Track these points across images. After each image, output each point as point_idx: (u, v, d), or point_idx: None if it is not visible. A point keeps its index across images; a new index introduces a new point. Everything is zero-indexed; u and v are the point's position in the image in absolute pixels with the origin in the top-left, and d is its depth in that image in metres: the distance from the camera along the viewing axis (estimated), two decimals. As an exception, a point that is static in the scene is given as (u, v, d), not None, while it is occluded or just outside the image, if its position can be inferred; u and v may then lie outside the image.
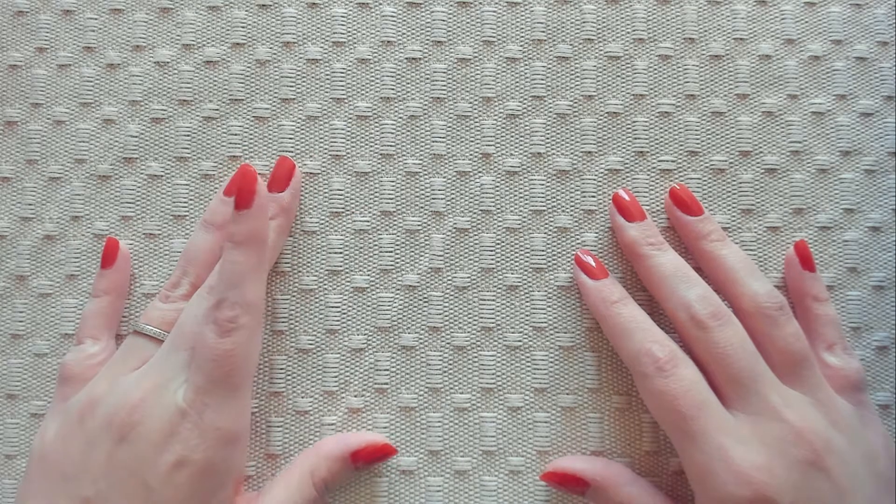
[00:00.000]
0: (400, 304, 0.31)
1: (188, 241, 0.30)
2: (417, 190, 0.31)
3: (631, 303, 0.29)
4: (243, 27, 0.32)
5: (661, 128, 0.31)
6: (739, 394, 0.26)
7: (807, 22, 0.32)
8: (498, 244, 0.31)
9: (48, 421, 0.28)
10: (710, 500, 0.25)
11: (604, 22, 0.32)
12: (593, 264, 0.30)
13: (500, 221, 0.31)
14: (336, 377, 0.30)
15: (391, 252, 0.31)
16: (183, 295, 0.29)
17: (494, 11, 0.32)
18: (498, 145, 0.31)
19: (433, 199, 0.31)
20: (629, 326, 0.28)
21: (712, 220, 0.29)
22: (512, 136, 0.31)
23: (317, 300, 0.31)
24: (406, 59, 0.32)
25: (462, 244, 0.31)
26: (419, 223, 0.31)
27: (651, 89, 0.31)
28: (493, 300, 0.31)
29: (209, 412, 0.26)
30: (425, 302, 0.31)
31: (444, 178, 0.31)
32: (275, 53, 0.32)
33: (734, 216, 0.31)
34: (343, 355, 0.30)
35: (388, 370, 0.30)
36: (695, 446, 0.26)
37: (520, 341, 0.31)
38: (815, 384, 0.27)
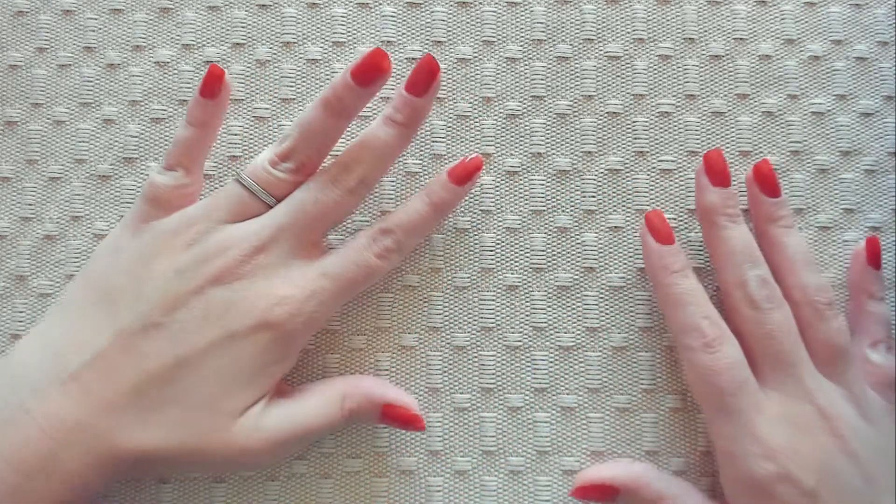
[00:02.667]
0: (400, 304, 0.31)
1: (304, 115, 0.28)
2: (417, 190, 0.31)
3: (691, 275, 0.28)
4: (243, 27, 0.32)
5: (661, 128, 0.31)
6: (777, 375, 0.27)
7: (807, 22, 0.32)
8: (498, 244, 0.31)
9: (120, 239, 0.28)
10: (734, 475, 0.27)
11: (604, 22, 0.32)
12: (662, 227, 0.29)
13: (500, 221, 0.31)
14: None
15: (391, 252, 0.31)
16: (290, 170, 0.28)
17: (494, 11, 0.32)
18: (498, 145, 0.31)
19: (433, 199, 0.31)
20: (684, 299, 0.28)
21: (786, 206, 0.29)
22: (512, 136, 0.31)
23: (317, 300, 0.31)
24: (406, 59, 0.32)
25: (462, 244, 0.31)
26: (419, 223, 0.31)
27: (651, 89, 0.31)
28: (493, 300, 0.31)
29: (324, 296, 0.27)
30: (425, 302, 0.31)
31: (444, 178, 0.31)
32: (275, 53, 0.32)
33: (734, 216, 0.31)
34: (343, 355, 0.30)
35: (388, 370, 0.30)
36: (727, 421, 0.27)
37: (520, 341, 0.31)
38: (850, 379, 0.28)
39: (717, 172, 0.29)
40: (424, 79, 0.28)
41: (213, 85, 0.28)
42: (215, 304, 0.26)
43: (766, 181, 0.29)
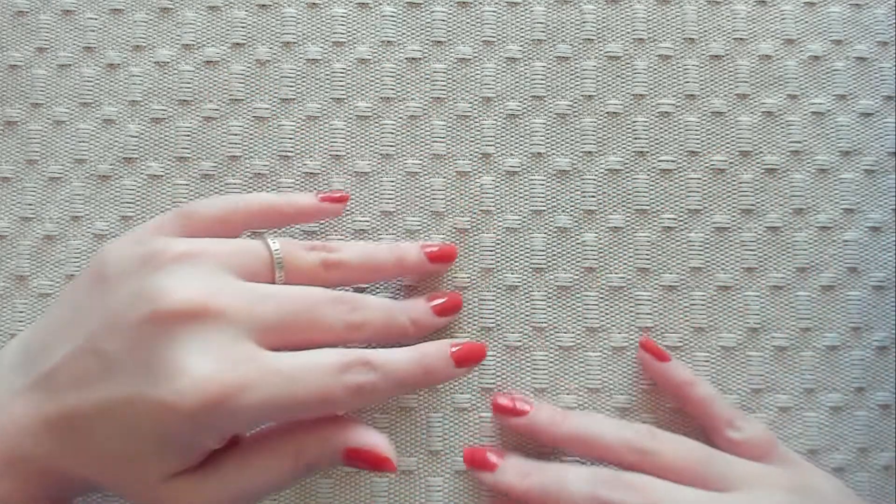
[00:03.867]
0: (400, 304, 0.31)
1: (374, 245, 0.29)
2: (417, 190, 0.31)
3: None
4: (243, 27, 0.32)
5: (661, 128, 0.31)
6: None
7: (807, 22, 0.32)
8: (498, 244, 0.31)
9: (128, 240, 0.25)
10: None
11: (604, 22, 0.32)
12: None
13: (500, 221, 0.31)
14: (336, 377, 0.30)
15: (391, 252, 0.31)
16: (324, 260, 0.26)
17: (494, 11, 0.32)
18: (498, 145, 0.31)
19: (433, 199, 0.31)
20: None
21: (542, 409, 0.29)
22: (512, 136, 0.31)
23: (317, 300, 0.31)
24: (406, 59, 0.32)
25: (462, 244, 0.31)
26: (419, 223, 0.31)
27: (651, 89, 0.31)
28: (493, 300, 0.31)
29: (261, 395, 0.22)
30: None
31: (444, 178, 0.31)
32: (275, 53, 0.32)
33: (734, 216, 0.31)
34: (343, 355, 0.30)
35: (388, 370, 0.30)
36: None
37: (520, 341, 0.31)
38: (737, 476, 0.26)
39: (479, 461, 0.28)
40: (450, 310, 0.29)
41: (335, 201, 0.29)
42: (144, 350, 0.22)
43: (507, 412, 0.29)
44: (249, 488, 0.24)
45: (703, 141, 0.31)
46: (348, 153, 0.31)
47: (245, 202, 0.27)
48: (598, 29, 0.32)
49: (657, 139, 0.31)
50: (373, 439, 0.25)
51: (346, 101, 0.31)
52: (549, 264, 0.31)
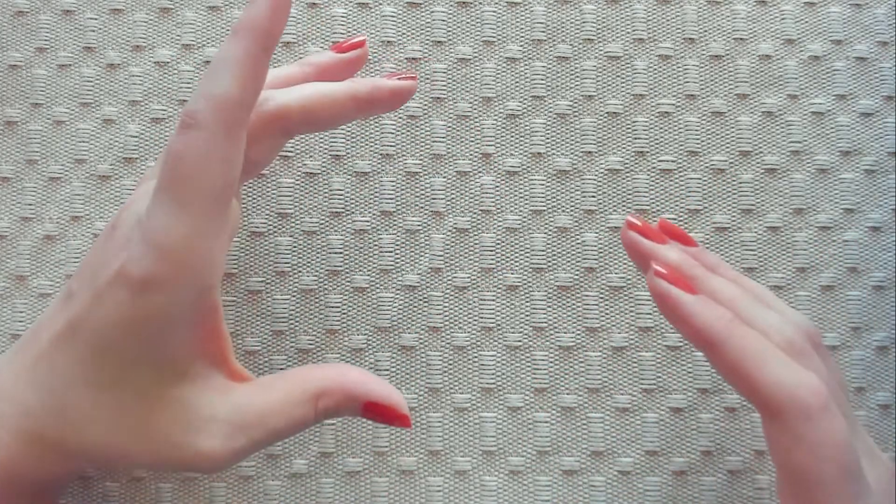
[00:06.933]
0: (400, 304, 0.31)
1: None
2: (417, 190, 0.31)
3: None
4: (243, 27, 0.32)
5: (661, 128, 0.31)
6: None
7: (807, 22, 0.32)
8: (498, 244, 0.31)
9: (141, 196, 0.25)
10: None
11: (604, 22, 0.32)
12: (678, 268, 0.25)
13: (500, 221, 0.31)
14: (336, 377, 0.30)
15: (391, 252, 0.31)
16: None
17: (494, 11, 0.32)
18: (498, 145, 0.31)
19: (433, 199, 0.31)
20: (763, 352, 0.22)
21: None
22: (512, 136, 0.31)
23: (317, 300, 0.31)
24: (406, 59, 0.32)
25: (462, 244, 0.31)
26: (419, 223, 0.31)
27: (651, 89, 0.31)
28: (493, 300, 0.31)
29: (153, 221, 0.22)
30: (425, 302, 0.31)
31: (444, 178, 0.31)
32: (274, 53, 0.32)
33: (734, 216, 0.31)
34: (343, 355, 0.30)
35: (388, 370, 0.30)
36: None
37: (520, 341, 0.31)
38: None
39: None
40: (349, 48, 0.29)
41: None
42: (98, 265, 0.23)
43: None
44: (267, 435, 0.23)
45: (703, 141, 0.31)
46: (348, 153, 0.31)
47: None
48: (598, 29, 0.32)
49: (657, 139, 0.31)
50: (392, 397, 0.24)
51: (346, 101, 0.31)
52: (549, 264, 0.31)
